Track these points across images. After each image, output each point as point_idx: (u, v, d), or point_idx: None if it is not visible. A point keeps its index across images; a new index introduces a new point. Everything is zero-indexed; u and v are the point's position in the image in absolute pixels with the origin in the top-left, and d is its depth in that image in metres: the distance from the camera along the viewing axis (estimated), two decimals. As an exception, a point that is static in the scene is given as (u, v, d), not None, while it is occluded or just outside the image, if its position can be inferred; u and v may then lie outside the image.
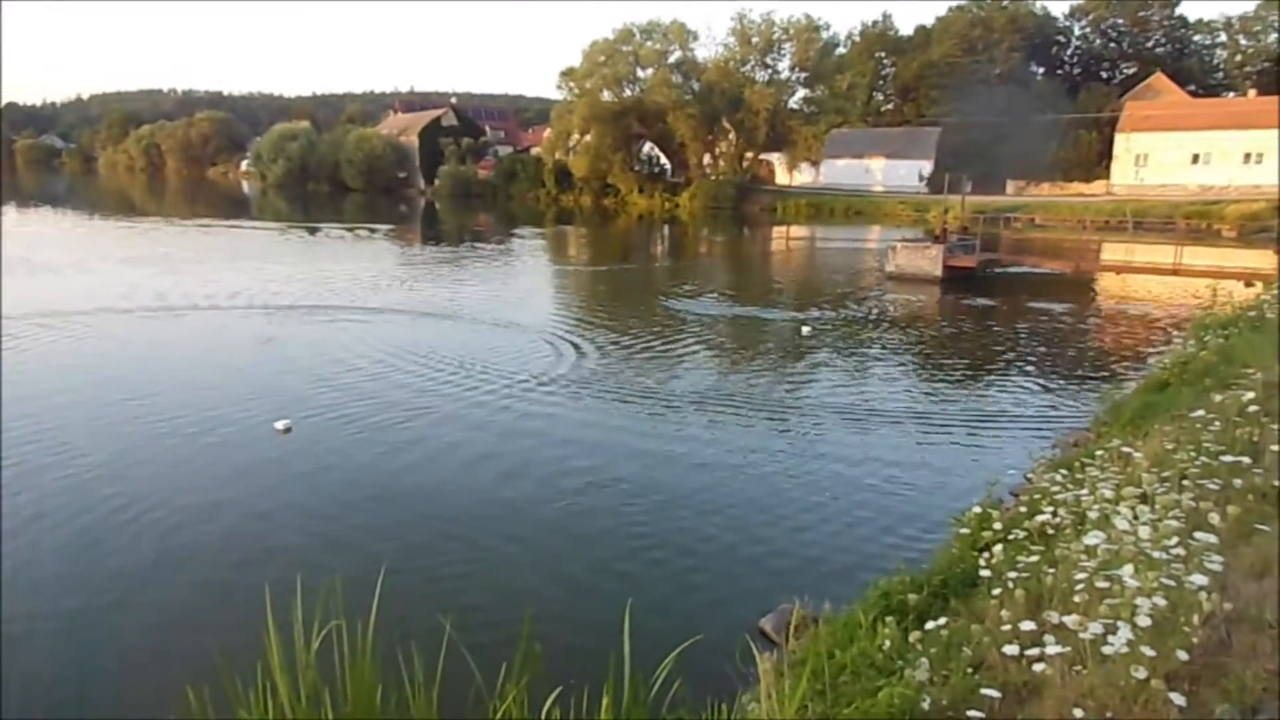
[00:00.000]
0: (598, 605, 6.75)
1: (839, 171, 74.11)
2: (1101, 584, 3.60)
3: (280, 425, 11.31)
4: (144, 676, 5.99)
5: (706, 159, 71.57)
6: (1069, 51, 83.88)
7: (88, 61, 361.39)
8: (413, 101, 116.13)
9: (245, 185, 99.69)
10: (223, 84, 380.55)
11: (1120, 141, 63.60)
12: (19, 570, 7.41)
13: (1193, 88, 69.25)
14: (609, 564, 7.68)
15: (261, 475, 9.92)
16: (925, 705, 3.40)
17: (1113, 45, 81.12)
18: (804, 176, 73.63)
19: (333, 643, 2.92)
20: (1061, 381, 15.33)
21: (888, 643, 4.16)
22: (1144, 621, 3.21)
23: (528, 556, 7.87)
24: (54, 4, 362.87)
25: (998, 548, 4.75)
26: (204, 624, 6.47)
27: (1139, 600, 3.34)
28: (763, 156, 73.46)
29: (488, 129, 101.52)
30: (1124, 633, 3.15)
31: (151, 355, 16.54)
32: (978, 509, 5.81)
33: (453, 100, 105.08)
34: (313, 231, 45.36)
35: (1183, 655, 3.05)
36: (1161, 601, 3.33)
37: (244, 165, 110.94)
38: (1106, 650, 3.14)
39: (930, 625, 4.09)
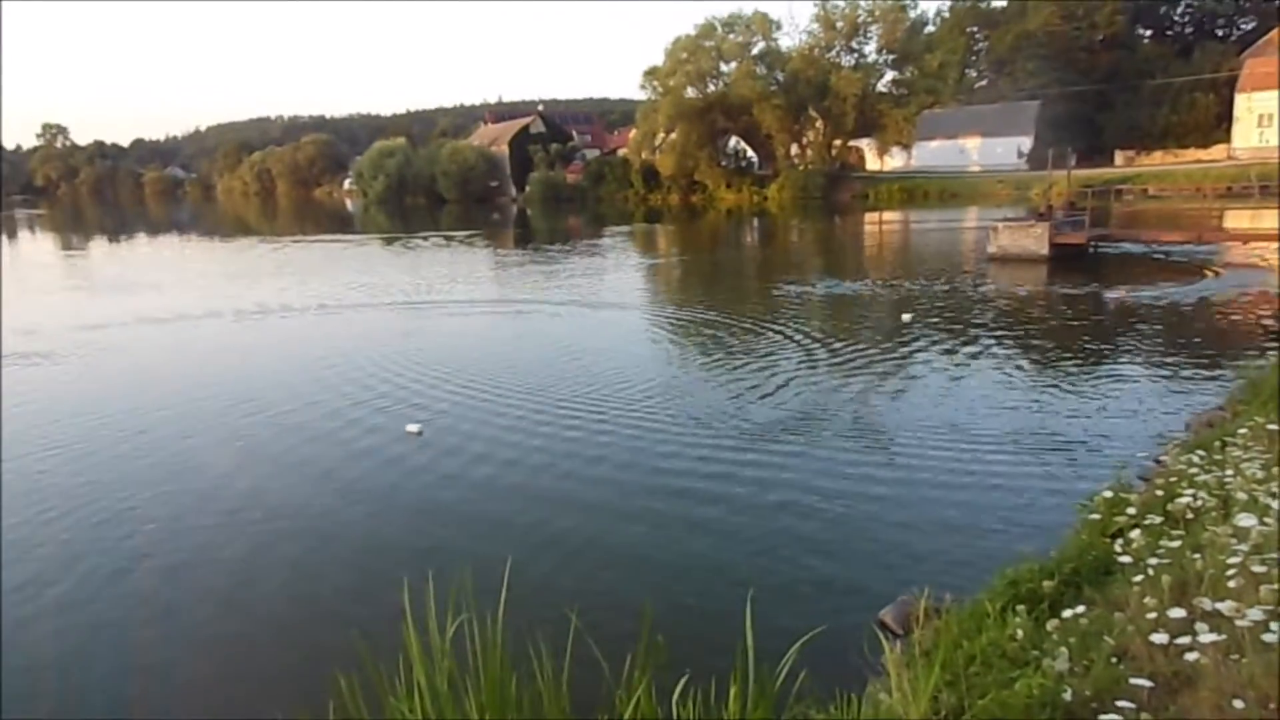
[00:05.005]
0: (718, 598, 6.73)
1: (932, 154, 71.95)
2: (1258, 568, 3.38)
3: (412, 428, 11.66)
4: (288, 664, 6.31)
5: (794, 149, 70.54)
6: (1179, 10, 78.95)
7: (203, 95, 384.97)
8: (501, 111, 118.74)
9: (348, 202, 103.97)
10: (325, 108, 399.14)
11: (1241, 102, 59.61)
12: (166, 563, 7.94)
13: (1322, 39, 63.98)
14: (726, 560, 7.65)
15: (392, 474, 10.31)
16: (1067, 696, 3.27)
17: (1228, 0, 75.91)
18: (895, 161, 71.87)
19: (464, 635, 3.03)
20: (1188, 360, 14.44)
21: (1019, 632, 4.01)
22: (1309, 607, 3.01)
23: (646, 553, 7.92)
24: (171, 40, 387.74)
25: (1135, 533, 4.52)
26: (343, 616, 6.76)
27: (1302, 585, 3.13)
28: (852, 143, 71.95)
29: (574, 133, 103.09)
30: (1287, 619, 2.96)
31: (281, 354, 17.82)
32: (1108, 493, 5.54)
33: (539, 107, 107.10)
34: (412, 241, 46.96)
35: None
36: (1328, 586, 3.12)
37: (346, 184, 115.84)
38: (1267, 638, 2.95)
39: (1067, 614, 3.92)
